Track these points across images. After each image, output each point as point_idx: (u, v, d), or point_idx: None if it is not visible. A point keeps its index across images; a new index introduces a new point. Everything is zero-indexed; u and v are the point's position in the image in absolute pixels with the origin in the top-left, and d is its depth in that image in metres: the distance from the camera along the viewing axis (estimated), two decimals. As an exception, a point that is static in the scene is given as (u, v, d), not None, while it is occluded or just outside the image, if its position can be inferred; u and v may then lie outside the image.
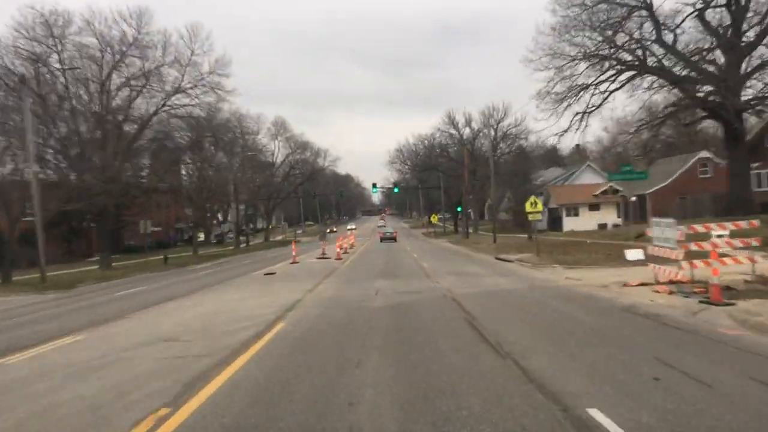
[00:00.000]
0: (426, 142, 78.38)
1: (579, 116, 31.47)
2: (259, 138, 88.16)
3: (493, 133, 70.58)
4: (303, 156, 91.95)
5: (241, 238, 75.95)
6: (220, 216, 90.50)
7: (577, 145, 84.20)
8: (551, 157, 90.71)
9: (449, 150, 73.17)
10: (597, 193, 69.83)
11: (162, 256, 40.58)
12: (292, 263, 31.37)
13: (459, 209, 79.59)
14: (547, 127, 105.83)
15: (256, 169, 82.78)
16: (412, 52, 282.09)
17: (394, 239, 64.37)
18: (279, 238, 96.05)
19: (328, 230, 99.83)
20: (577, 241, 36.13)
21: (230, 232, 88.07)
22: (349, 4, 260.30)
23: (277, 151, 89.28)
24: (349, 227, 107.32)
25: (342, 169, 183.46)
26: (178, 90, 35.97)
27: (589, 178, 75.31)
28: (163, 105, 36.13)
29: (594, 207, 69.77)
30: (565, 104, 31.16)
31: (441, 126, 71.70)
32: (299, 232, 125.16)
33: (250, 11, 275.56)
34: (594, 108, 31.31)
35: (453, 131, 71.83)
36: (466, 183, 57.46)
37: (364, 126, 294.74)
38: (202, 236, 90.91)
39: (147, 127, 36.17)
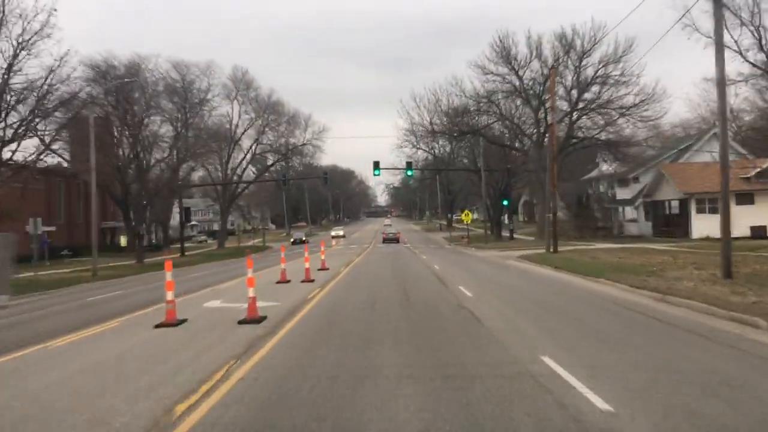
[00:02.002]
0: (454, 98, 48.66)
1: None
2: (213, 98, 61.01)
3: (571, 78, 42.66)
4: (276, 124, 63.97)
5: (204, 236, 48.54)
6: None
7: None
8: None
9: (498, 100, 44.28)
10: (750, 174, 42.26)
11: None
12: None
13: (506, 202, 51.86)
14: None
15: (200, 138, 55.32)
16: (412, 51, 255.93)
17: (396, 240, 58.17)
18: (252, 242, 68.06)
19: (293, 239, 67.17)
20: None
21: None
22: (344, 3, 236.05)
23: (237, 118, 61.73)
24: (334, 232, 77.07)
25: (340, 166, 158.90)
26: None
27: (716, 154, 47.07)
28: None
29: (744, 198, 42.09)
30: None
31: (485, 62, 43.13)
32: (284, 235, 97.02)
33: (242, 9, 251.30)
34: None
35: (503, 69, 43.10)
36: (553, 147, 29.34)
37: (366, 126, 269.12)
38: (124, 240, 63.54)
39: None
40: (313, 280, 18.57)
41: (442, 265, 25.00)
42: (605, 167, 62.34)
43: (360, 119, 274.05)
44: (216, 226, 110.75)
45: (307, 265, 19.40)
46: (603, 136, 42.96)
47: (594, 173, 65.73)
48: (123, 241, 64.31)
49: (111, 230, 71.60)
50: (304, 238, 65.35)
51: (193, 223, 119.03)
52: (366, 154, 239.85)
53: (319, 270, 23.15)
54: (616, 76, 41.17)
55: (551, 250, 29.42)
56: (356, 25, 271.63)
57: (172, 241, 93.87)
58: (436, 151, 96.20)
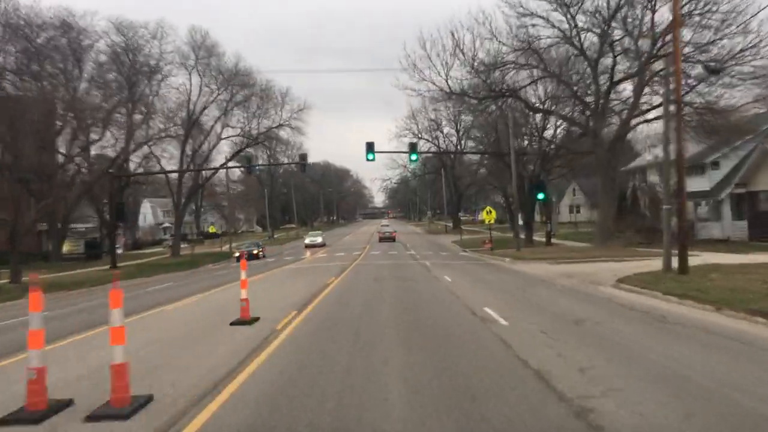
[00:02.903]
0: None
1: None
2: (166, 67, 48.37)
3: (639, 23, 30.00)
4: (245, 99, 51.06)
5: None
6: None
7: None
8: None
9: (541, 49, 31.01)
10: None
11: None
12: None
13: (541, 196, 39.21)
14: None
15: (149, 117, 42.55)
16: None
17: (393, 239, 56.24)
18: (221, 249, 55.49)
19: (237, 254, 40.51)
20: None
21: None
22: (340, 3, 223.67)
23: (197, 93, 48.94)
24: (308, 239, 56.25)
25: (334, 164, 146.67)
26: None
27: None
28: None
29: None
30: None
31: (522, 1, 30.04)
32: (267, 238, 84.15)
33: (238, 9, 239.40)
34: None
35: (548, 5, 29.98)
36: (678, 77, 16.71)
37: (362, 127, 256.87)
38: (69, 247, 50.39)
39: None
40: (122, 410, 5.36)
41: (507, 311, 11.78)
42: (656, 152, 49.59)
43: (356, 119, 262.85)
44: (191, 229, 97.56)
45: (118, 360, 5.47)
46: (688, 98, 30.35)
47: (635, 162, 53.04)
48: (66, 245, 51.48)
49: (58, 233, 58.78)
50: (255, 251, 43.16)
51: (165, 225, 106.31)
52: (363, 152, 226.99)
53: (231, 324, 10.48)
54: (711, 12, 28.53)
55: (671, 267, 16.71)
56: (353, 24, 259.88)
57: (142, 245, 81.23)
58: (441, 141, 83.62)
